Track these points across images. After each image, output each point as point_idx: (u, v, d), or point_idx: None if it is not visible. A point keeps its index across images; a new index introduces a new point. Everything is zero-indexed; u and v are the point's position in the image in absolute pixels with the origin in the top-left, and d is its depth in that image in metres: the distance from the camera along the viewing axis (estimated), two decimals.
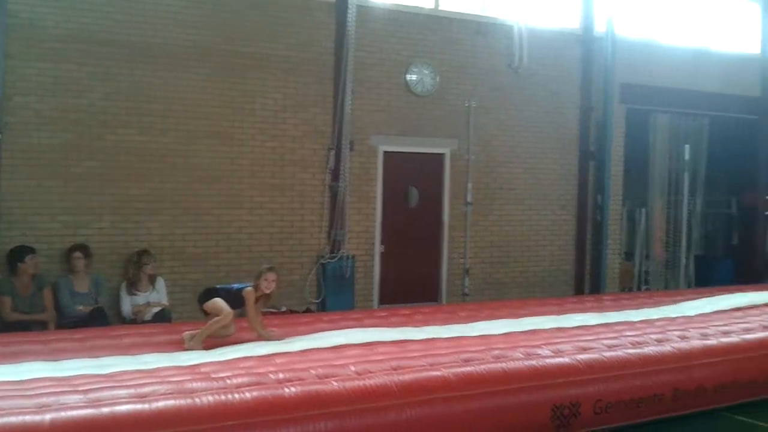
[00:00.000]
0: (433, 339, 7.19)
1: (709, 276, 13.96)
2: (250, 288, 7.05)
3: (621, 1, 12.73)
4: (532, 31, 11.81)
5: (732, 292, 10.49)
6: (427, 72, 11.07)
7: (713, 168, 14.26)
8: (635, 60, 12.78)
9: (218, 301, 6.97)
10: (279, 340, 6.96)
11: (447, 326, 7.88)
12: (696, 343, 7.22)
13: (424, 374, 5.80)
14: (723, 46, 13.94)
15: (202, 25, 9.59)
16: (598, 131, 12.36)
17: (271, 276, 7.14)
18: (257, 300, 7.08)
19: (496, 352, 6.49)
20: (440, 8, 11.27)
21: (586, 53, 12.35)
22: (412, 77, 10.99)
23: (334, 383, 5.40)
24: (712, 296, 10.10)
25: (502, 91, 11.67)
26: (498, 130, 11.65)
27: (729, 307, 9.38)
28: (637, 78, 12.80)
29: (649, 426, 6.68)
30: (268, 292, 7.13)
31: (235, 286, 7.22)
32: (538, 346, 6.75)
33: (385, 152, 10.86)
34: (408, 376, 5.70)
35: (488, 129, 11.54)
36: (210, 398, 4.96)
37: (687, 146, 13.32)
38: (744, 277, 13.87)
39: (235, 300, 7.01)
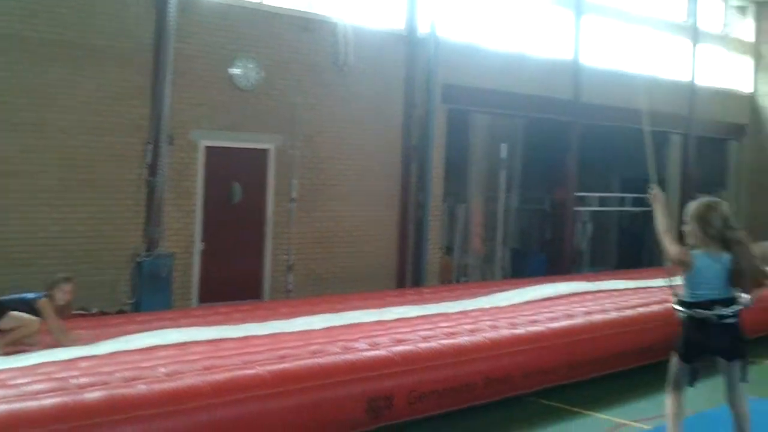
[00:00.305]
0: (249, 337, 7.10)
1: (524, 268, 14.70)
2: (44, 299, 6.75)
3: (444, 4, 13.12)
4: (357, 30, 11.93)
5: (542, 284, 11.08)
6: (251, 66, 10.91)
7: (528, 166, 15.02)
8: (457, 62, 13.23)
9: (17, 315, 6.60)
10: (83, 344, 6.63)
11: (266, 323, 7.79)
12: (505, 332, 7.55)
13: (238, 373, 5.71)
14: (538, 51, 14.71)
15: (2, 9, 8.95)
16: (421, 130, 12.69)
17: (67, 287, 6.91)
18: (53, 309, 6.77)
19: (313, 348, 6.51)
20: (265, 3, 11.16)
21: (410, 54, 12.64)
22: (236, 71, 10.80)
23: (141, 386, 5.20)
24: (524, 287, 10.61)
25: (327, 88, 11.71)
26: (323, 126, 11.69)
27: (538, 298, 9.89)
28: (458, 79, 13.24)
29: (461, 413, 6.92)
30: (62, 303, 6.84)
31: (29, 295, 6.84)
32: (356, 340, 6.83)
33: (207, 147, 10.60)
34: (220, 376, 5.60)
35: (313, 125, 11.55)
36: (3, 407, 4.65)
37: (504, 145, 13.94)
38: (555, 268, 14.73)
39: (33, 310, 6.68)
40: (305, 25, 11.50)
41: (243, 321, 7.89)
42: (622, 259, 18.42)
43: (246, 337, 7.07)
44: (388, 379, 6.31)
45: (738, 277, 5.13)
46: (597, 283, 11.25)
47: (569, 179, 15.35)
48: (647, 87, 12.47)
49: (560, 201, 15.44)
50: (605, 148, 17.21)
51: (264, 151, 11.17)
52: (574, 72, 15.15)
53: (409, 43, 12.65)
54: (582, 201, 16.46)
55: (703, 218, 5.22)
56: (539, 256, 16.17)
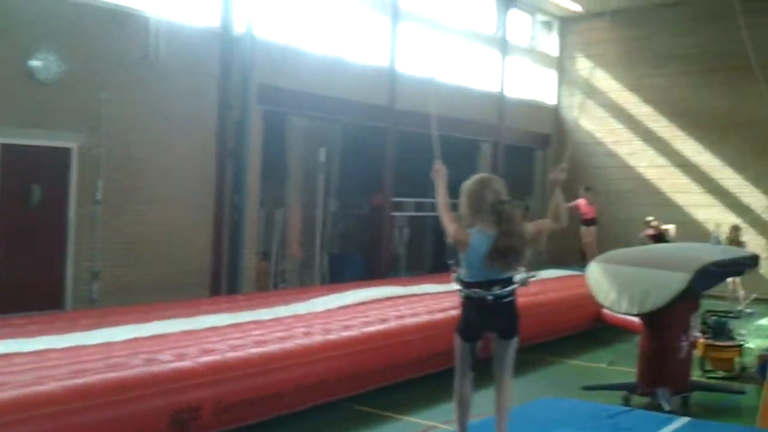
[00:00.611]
0: (44, 351, 6.58)
1: (342, 273, 14.76)
2: None
3: (261, 3, 12.92)
4: (170, 25, 11.46)
5: (359, 288, 11.14)
6: (53, 59, 10.17)
7: (347, 171, 15.12)
8: (274, 62, 13.05)
9: None
10: None
11: (65, 335, 7.27)
12: (318, 338, 7.49)
13: (29, 390, 5.28)
14: (356, 56, 14.84)
15: None
16: (237, 131, 12.38)
17: None
18: None
19: (113, 361, 6.16)
20: None
21: (225, 52, 12.31)
22: (35, 63, 10.04)
23: None
24: (341, 292, 10.63)
25: (137, 85, 11.15)
26: (132, 125, 11.12)
27: (354, 302, 9.93)
28: (275, 80, 13.06)
29: (273, 422, 6.78)
30: None
31: None
32: (161, 351, 6.54)
33: (3, 145, 9.79)
34: (9, 393, 5.15)
35: (121, 123, 10.95)
36: None
37: (322, 149, 13.93)
38: (373, 273, 14.92)
39: None
40: (114, 17, 10.90)
41: (38, 333, 7.30)
42: (437, 262, 19.00)
43: (40, 351, 6.55)
44: (193, 391, 6.07)
45: (496, 253, 4.93)
46: (412, 287, 11.47)
47: (386, 184, 15.59)
48: (437, 92, 12.87)
49: (378, 206, 15.64)
50: (421, 154, 17.63)
51: (66, 150, 10.44)
52: (390, 78, 15.42)
53: (225, 41, 12.31)
54: (399, 206, 16.79)
55: (475, 194, 5.14)
56: (357, 260, 16.31)
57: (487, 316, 5.05)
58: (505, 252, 4.94)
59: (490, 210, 5.04)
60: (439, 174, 5.53)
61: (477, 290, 5.01)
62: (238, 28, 12.43)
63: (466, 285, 5.07)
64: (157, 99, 11.39)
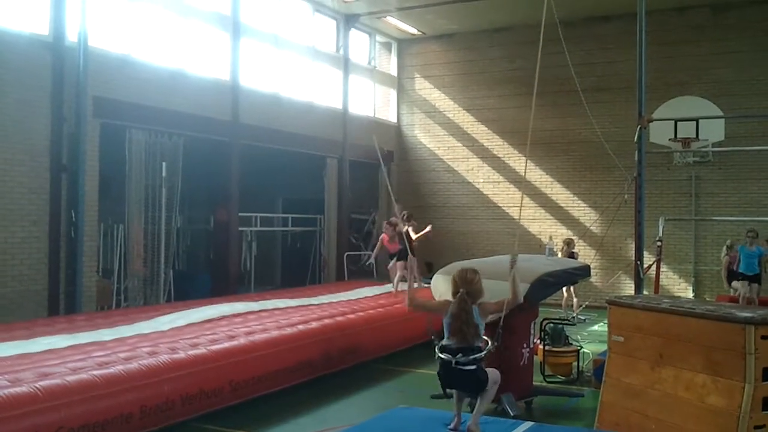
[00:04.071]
0: None
1: (189, 290, 14.37)
2: None
3: (95, 12, 12.41)
4: None
5: (207, 305, 10.88)
6: None
7: (191, 186, 14.75)
8: (110, 74, 12.55)
9: None
10: None
11: None
12: (164, 357, 7.26)
13: None
14: (198, 69, 14.55)
15: None
16: (71, 145, 11.78)
17: None
18: None
19: None
20: None
21: (57, 62, 11.70)
22: None
23: None
24: (187, 310, 10.33)
25: None
26: None
27: (201, 320, 9.68)
28: (112, 93, 12.55)
29: None
30: None
31: None
32: None
33: None
34: None
35: None
36: None
37: (164, 164, 13.52)
38: (220, 289, 14.62)
39: None
40: None
41: None
42: (286, 277, 18.95)
43: None
44: (31, 417, 5.72)
45: (451, 328, 5.65)
46: (261, 302, 11.36)
47: (232, 199, 15.37)
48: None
49: (223, 221, 15.38)
50: (267, 169, 17.62)
51: None
52: (233, 93, 15.25)
53: (56, 50, 11.71)
54: (246, 221, 16.60)
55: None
56: (204, 277, 15.96)
57: (453, 378, 5.70)
58: (457, 328, 5.60)
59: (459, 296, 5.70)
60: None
61: (445, 354, 5.63)
62: (71, 38, 11.87)
63: (440, 348, 5.70)
64: None
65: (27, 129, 11.30)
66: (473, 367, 5.60)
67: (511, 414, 7.39)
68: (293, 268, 19.07)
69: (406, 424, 6.37)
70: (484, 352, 5.65)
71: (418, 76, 21.30)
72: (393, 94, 21.62)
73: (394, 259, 13.65)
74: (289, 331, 9.11)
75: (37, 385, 5.99)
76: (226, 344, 8.12)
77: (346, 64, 19.18)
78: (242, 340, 8.36)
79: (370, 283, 15.14)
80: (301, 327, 9.38)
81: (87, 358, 7.05)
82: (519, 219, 19.38)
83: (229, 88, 15.22)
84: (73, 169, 11.71)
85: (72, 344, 7.85)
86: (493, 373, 5.84)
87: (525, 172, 18.38)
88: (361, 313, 10.73)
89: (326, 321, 9.94)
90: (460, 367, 5.58)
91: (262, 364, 8.23)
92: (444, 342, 5.73)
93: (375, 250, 14.59)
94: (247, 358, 8.05)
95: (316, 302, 11.88)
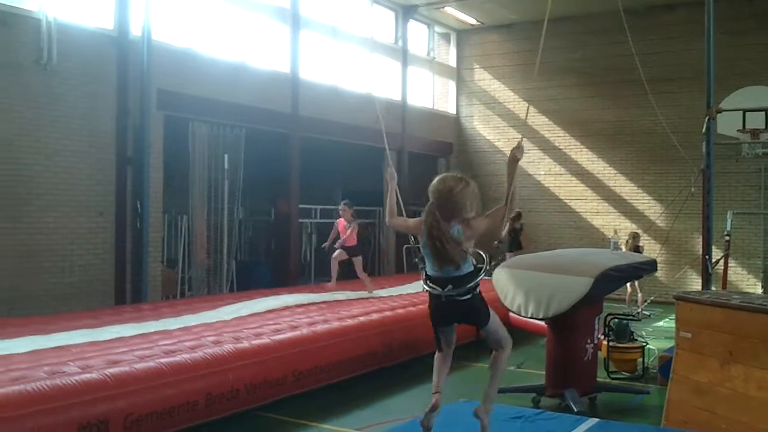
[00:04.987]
0: None
1: (250, 280, 14.55)
2: None
3: (158, 6, 12.62)
4: (63, 27, 11.04)
5: (268, 296, 11.02)
6: None
7: (252, 177, 14.93)
8: (174, 68, 12.76)
9: None
10: None
11: None
12: (228, 347, 7.35)
13: None
14: (258, 62, 14.69)
15: None
16: (136, 137, 12.03)
17: None
18: None
19: (15, 374, 5.86)
20: None
21: (121, 56, 11.93)
22: None
23: None
24: (250, 300, 10.48)
25: (30, 89, 10.68)
26: (24, 130, 10.62)
27: (263, 310, 9.80)
28: (176, 86, 12.76)
29: None
30: None
31: None
32: (65, 363, 6.26)
33: None
34: None
35: (14, 129, 10.47)
36: None
37: (226, 156, 13.71)
38: (281, 280, 14.76)
39: None
40: (2, 18, 10.42)
41: None
42: (345, 269, 18.97)
43: None
44: (100, 404, 5.84)
45: (430, 251, 4.76)
46: (322, 294, 11.46)
47: (292, 191, 15.50)
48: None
49: (284, 213, 15.53)
50: (327, 161, 17.70)
51: None
52: (292, 85, 15.35)
53: (120, 44, 11.94)
54: (306, 213, 16.73)
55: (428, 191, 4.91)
56: (265, 268, 16.12)
57: (447, 313, 4.87)
58: (435, 253, 4.72)
59: (426, 209, 4.82)
60: (391, 176, 5.56)
61: (433, 286, 4.81)
62: (135, 32, 12.09)
63: (426, 278, 4.89)
64: (49, 103, 10.94)
65: (93, 122, 11.56)
66: (468, 296, 4.76)
67: (575, 410, 7.29)
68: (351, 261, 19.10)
69: (466, 417, 6.33)
70: (479, 277, 4.79)
71: (477, 66, 21.13)
72: (452, 85, 21.49)
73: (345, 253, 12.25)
74: (350, 322, 9.15)
75: (107, 372, 6.12)
76: (289, 334, 8.19)
77: (404, 56, 19.13)
78: (305, 331, 8.42)
79: None
80: (362, 318, 9.41)
81: (154, 346, 7.17)
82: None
83: (289, 81, 15.32)
84: (138, 161, 11.95)
85: (139, 333, 8.02)
86: (495, 321, 4.99)
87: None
88: (421, 306, 10.68)
89: (387, 313, 9.96)
90: (453, 297, 4.73)
91: (325, 354, 8.27)
92: (428, 271, 4.85)
93: (329, 241, 12.74)
94: (309, 348, 8.10)
95: (376, 295, 11.92)
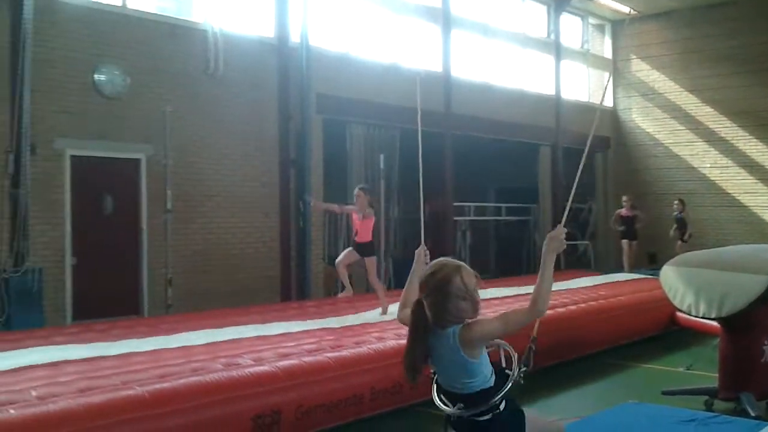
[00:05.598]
0: (128, 354, 6.70)
1: (406, 278, 14.68)
2: None
3: (315, 13, 13.03)
4: (227, 37, 11.64)
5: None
6: (117, 73, 10.43)
7: (406, 177, 15.11)
8: (331, 72, 13.14)
9: None
10: None
11: (146, 339, 7.40)
12: (391, 343, 7.47)
13: (116, 394, 5.34)
14: (410, 63, 14.85)
15: None
16: (298, 140, 12.50)
17: None
18: None
19: (195, 365, 6.21)
20: (127, 6, 10.70)
21: (282, 63, 12.43)
22: (100, 77, 10.29)
23: (11, 411, 4.77)
24: None
25: (199, 97, 11.36)
26: (196, 136, 11.31)
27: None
28: (333, 89, 13.15)
29: (352, 426, 6.78)
30: None
31: None
32: (239, 356, 6.58)
33: (74, 157, 10.03)
34: (97, 398, 5.21)
35: (186, 135, 11.15)
36: None
37: (381, 156, 13.96)
38: None
39: None
40: (172, 31, 11.12)
41: (122, 338, 7.46)
42: (500, 266, 18.91)
43: (124, 355, 6.67)
44: (273, 395, 6.09)
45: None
46: (480, 291, 11.36)
47: (446, 189, 15.59)
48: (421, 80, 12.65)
49: (439, 211, 15.64)
50: (480, 158, 17.65)
51: (135, 161, 10.69)
52: (445, 84, 15.41)
53: (281, 51, 12.45)
54: (460, 210, 16.75)
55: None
56: None
57: None
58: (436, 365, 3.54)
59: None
60: (419, 259, 4.15)
61: (443, 400, 3.57)
62: (294, 39, 12.54)
63: (436, 388, 3.65)
64: (218, 110, 11.56)
65: (258, 127, 12.12)
66: (488, 417, 3.40)
67: (752, 414, 6.88)
68: (507, 258, 18.98)
69: (637, 419, 6.13)
70: (500, 395, 3.40)
71: (635, 57, 20.37)
72: (607, 77, 20.85)
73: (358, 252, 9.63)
74: None
75: (278, 365, 6.38)
76: None
77: (557, 49, 18.76)
78: None
79: (588, 273, 14.72)
80: None
81: (320, 341, 7.41)
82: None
83: (442, 80, 15.40)
84: (300, 163, 12.43)
85: (304, 329, 8.31)
86: None
87: None
88: (582, 305, 10.45)
89: (547, 312, 9.77)
90: (469, 417, 3.43)
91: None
92: (438, 379, 3.60)
93: (328, 206, 10.69)
94: None
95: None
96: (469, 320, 3.41)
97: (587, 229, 19.36)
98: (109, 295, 10.19)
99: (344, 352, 7.01)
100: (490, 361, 3.47)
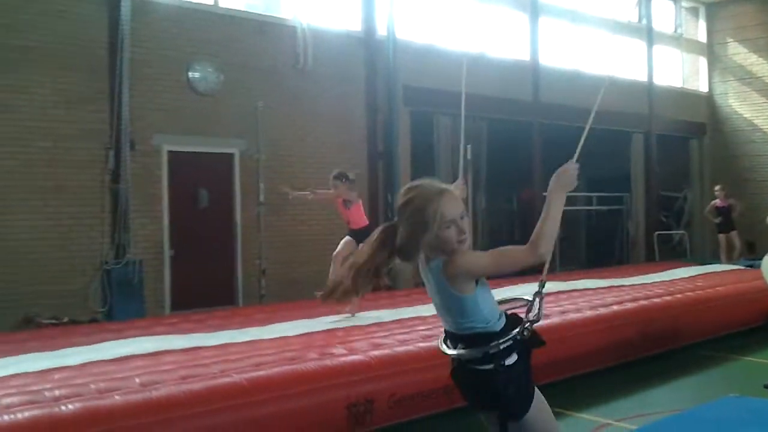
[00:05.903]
0: (226, 344, 6.91)
1: None
2: None
3: (401, 5, 13.06)
4: (315, 32, 11.81)
5: (515, 284, 10.97)
6: (210, 70, 10.75)
7: (494, 167, 15.03)
8: (417, 63, 13.16)
9: None
10: None
11: (242, 330, 7.61)
12: None
13: (215, 382, 5.51)
14: (498, 52, 14.72)
15: None
16: (385, 132, 12.58)
17: None
18: None
19: (290, 354, 6.35)
20: (220, 5, 10.97)
21: (369, 56, 12.53)
22: (194, 75, 10.61)
23: (117, 397, 4.99)
24: (493, 288, 10.48)
25: (288, 92, 11.57)
26: (287, 130, 11.53)
27: (510, 297, 9.71)
28: (419, 81, 13.16)
29: (441, 416, 6.80)
30: None
31: None
32: (333, 345, 6.69)
33: (170, 152, 10.41)
34: (197, 385, 5.39)
35: (277, 129, 11.39)
36: None
37: (469, 146, 13.88)
38: (525, 269, 14.70)
39: None
40: (262, 27, 11.35)
41: (219, 328, 7.70)
42: (591, 257, 18.58)
43: (222, 345, 6.87)
44: (366, 384, 6.16)
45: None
46: (570, 282, 11.25)
47: (534, 179, 15.40)
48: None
49: (527, 201, 15.48)
50: (569, 147, 17.30)
51: (229, 155, 10.98)
52: (533, 72, 15.21)
53: (368, 44, 12.55)
54: None
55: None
56: None
57: (463, 389, 3.27)
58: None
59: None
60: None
61: (443, 346, 3.28)
62: (381, 32, 12.61)
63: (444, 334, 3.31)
64: (307, 104, 11.74)
65: (346, 120, 12.26)
66: (489, 366, 3.01)
67: None
68: (598, 248, 18.62)
69: (739, 414, 5.95)
70: (508, 337, 3.01)
71: (731, 40, 19.62)
72: (702, 61, 20.15)
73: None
74: (603, 311, 8.91)
75: (371, 354, 6.45)
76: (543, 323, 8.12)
77: (649, 34, 18.25)
78: (556, 319, 8.33)
79: (684, 263, 14.30)
80: (615, 308, 9.13)
81: (411, 331, 7.46)
82: None
83: (530, 68, 15.21)
84: (388, 155, 12.52)
85: (395, 319, 8.37)
86: (539, 418, 3.07)
87: None
88: (678, 296, 10.17)
89: (642, 302, 9.56)
90: (470, 366, 3.07)
91: (578, 343, 8.12)
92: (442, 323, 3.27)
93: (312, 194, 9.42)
94: (562, 336, 8.00)
95: (627, 283, 11.50)
96: (455, 251, 2.99)
97: (682, 218, 18.80)
98: (205, 286, 10.54)
99: (435, 343, 7.00)
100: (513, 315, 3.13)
